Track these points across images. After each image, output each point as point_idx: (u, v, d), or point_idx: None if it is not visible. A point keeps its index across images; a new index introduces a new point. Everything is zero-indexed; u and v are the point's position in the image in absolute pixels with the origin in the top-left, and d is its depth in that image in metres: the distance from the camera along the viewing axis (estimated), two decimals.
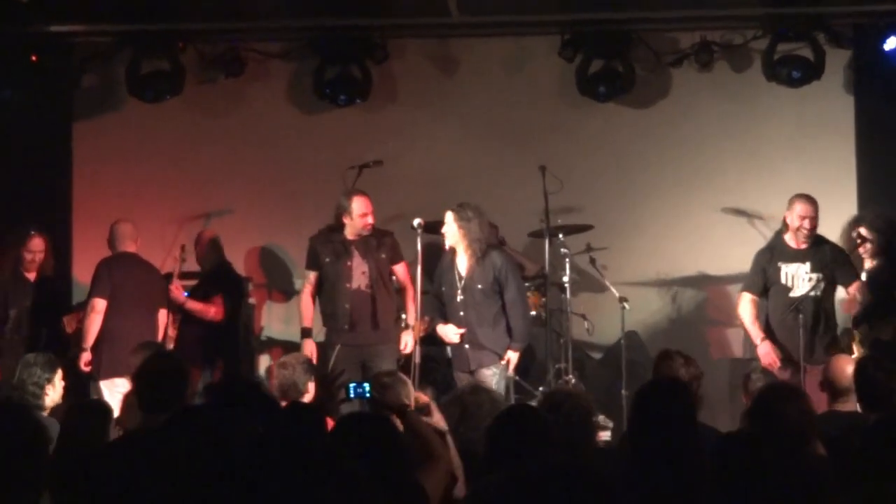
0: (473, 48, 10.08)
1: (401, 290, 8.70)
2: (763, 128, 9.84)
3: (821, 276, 8.27)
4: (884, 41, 9.40)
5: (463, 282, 8.23)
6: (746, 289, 8.55)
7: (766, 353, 8.22)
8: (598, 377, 9.41)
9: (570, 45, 9.63)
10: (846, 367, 6.12)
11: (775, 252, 8.45)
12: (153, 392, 5.12)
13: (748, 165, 9.77)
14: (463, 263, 8.27)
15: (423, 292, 8.46)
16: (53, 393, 6.48)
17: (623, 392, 8.52)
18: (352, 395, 4.74)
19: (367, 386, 4.76)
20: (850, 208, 9.30)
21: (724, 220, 9.66)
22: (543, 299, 8.98)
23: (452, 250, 8.29)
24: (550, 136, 9.85)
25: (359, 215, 8.42)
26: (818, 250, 8.39)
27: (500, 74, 10.02)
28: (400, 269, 8.64)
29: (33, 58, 9.62)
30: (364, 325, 8.43)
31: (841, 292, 8.59)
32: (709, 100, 9.92)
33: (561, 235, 8.94)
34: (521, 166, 9.43)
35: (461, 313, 8.22)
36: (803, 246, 8.36)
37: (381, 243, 8.54)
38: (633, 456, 4.32)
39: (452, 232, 8.22)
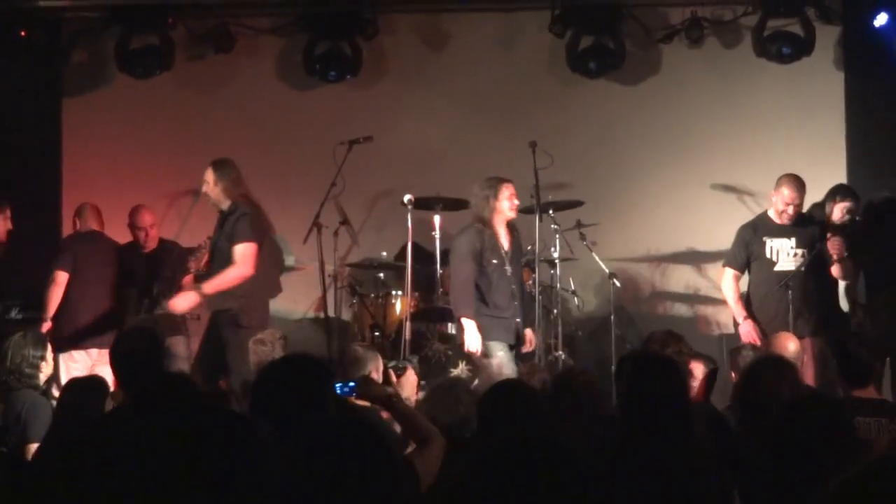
0: (463, 24, 10.07)
1: None
2: (753, 104, 9.84)
3: (806, 251, 8.26)
4: (874, 17, 9.41)
5: (508, 254, 8.18)
6: (729, 264, 8.53)
7: (748, 332, 8.20)
8: (587, 353, 9.44)
9: (561, 21, 9.62)
10: (788, 343, 6.75)
11: (759, 227, 8.42)
12: (127, 370, 5.18)
13: (738, 141, 9.78)
14: (502, 236, 8.22)
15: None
16: (47, 368, 6.47)
17: (612, 368, 8.54)
18: (339, 394, 4.70)
19: (352, 384, 4.72)
20: (839, 183, 9.29)
21: (714, 196, 9.68)
22: (534, 275, 8.99)
23: (489, 224, 8.10)
24: (541, 112, 9.85)
25: None
26: (805, 227, 8.38)
27: (490, 50, 10.01)
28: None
29: (22, 33, 9.59)
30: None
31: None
32: (699, 76, 9.92)
33: (551, 211, 8.95)
34: (511, 142, 9.42)
35: (513, 287, 8.15)
36: (788, 222, 8.36)
37: (226, 221, 7.87)
38: (625, 427, 4.35)
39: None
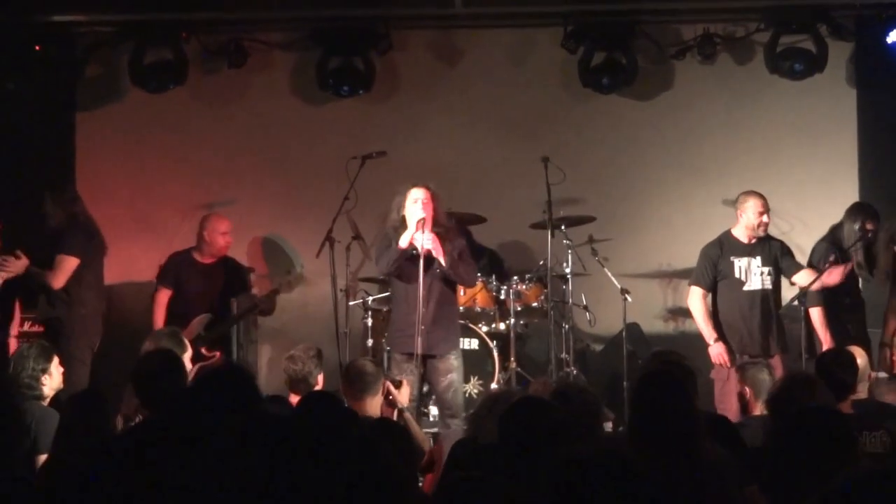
0: (476, 39, 10.08)
1: None
2: (765, 120, 9.85)
3: (770, 269, 8.29)
4: (886, 34, 9.41)
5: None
6: (697, 282, 8.44)
7: (719, 353, 8.18)
8: (599, 369, 9.44)
9: (573, 37, 9.63)
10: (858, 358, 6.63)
11: (725, 246, 8.38)
12: (148, 390, 5.27)
13: (750, 158, 9.78)
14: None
15: None
16: (51, 381, 6.44)
17: (624, 383, 8.56)
18: None
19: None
20: (851, 201, 9.29)
21: (726, 211, 9.61)
22: (545, 291, 8.99)
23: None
24: (553, 128, 9.86)
25: None
26: (765, 245, 8.39)
27: (502, 66, 10.02)
28: None
29: (36, 48, 9.61)
30: None
31: None
32: (711, 92, 9.92)
33: (563, 227, 8.96)
34: (523, 158, 9.44)
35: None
36: (753, 241, 8.34)
37: None
38: (633, 445, 4.35)
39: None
